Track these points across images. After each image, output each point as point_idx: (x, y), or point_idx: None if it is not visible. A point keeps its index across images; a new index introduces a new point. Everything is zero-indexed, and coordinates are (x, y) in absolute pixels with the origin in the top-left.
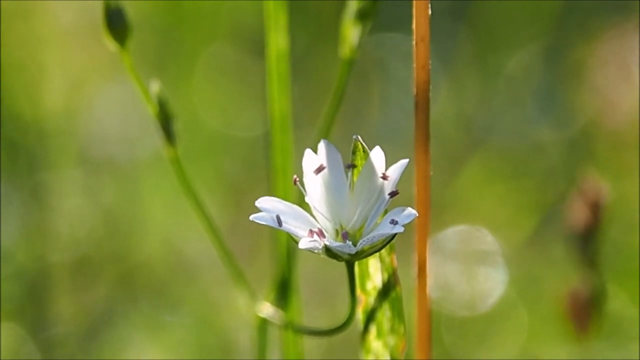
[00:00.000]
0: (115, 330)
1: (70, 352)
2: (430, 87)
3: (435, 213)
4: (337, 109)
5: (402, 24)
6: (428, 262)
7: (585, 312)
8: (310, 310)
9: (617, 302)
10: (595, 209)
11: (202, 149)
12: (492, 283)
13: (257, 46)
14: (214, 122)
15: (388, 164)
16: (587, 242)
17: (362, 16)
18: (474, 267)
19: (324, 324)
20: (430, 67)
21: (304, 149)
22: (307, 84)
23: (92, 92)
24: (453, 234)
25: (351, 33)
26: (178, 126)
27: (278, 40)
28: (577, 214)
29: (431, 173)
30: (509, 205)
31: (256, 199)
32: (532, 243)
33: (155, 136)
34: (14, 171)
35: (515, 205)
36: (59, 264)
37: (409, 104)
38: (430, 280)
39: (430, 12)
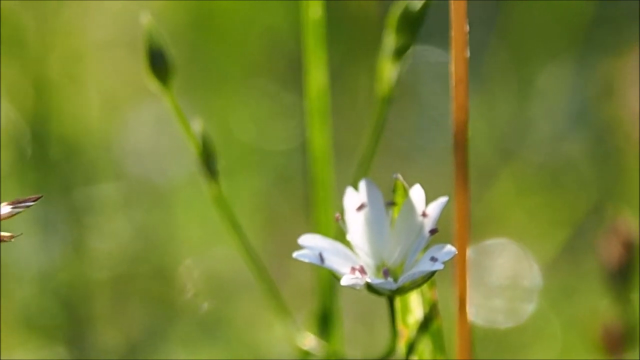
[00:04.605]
0: (153, 349)
1: None
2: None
3: None
4: (377, 145)
5: (434, 37)
6: (469, 292)
7: (619, 347)
8: (351, 341)
9: None
10: (628, 246)
11: (236, 165)
12: (525, 297)
13: (290, 61)
14: (247, 137)
15: (425, 181)
16: (621, 278)
17: (399, 53)
18: (506, 281)
19: (365, 355)
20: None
21: (341, 181)
22: (340, 104)
23: (129, 110)
24: (485, 248)
25: (388, 70)
26: (221, 164)
27: (318, 76)
28: (610, 251)
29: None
30: (541, 219)
31: (291, 217)
32: (564, 257)
33: (191, 154)
34: (50, 189)
35: (547, 219)
36: (97, 282)
37: (444, 120)
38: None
39: (468, 53)
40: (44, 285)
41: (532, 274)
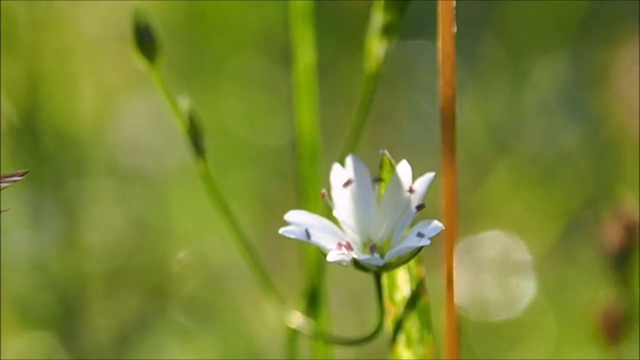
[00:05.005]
0: (147, 340)
1: None
2: (457, 94)
3: (462, 219)
4: (364, 123)
5: (429, 30)
6: (456, 269)
7: (618, 330)
8: (340, 320)
9: None
10: (630, 230)
11: (230, 158)
12: (520, 289)
13: (284, 55)
14: (241, 131)
15: (417, 172)
16: (621, 261)
17: (387, 30)
18: (502, 273)
19: (353, 334)
20: (456, 82)
21: (331, 161)
22: (334, 94)
23: (122, 103)
24: (480, 240)
25: (376, 47)
26: (206, 139)
27: (305, 54)
28: (611, 234)
29: (457, 184)
30: (537, 211)
31: (285, 209)
32: (559, 249)
33: (185, 146)
34: (45, 181)
35: (542, 212)
36: (90, 273)
37: (437, 110)
38: (458, 290)
39: (455, 29)
40: (38, 276)
41: (527, 266)
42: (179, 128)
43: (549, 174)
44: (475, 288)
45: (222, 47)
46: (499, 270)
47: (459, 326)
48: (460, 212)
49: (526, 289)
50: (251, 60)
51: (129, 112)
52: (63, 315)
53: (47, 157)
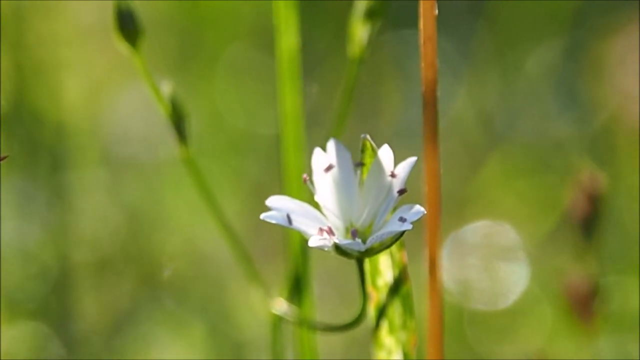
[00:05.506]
0: (139, 328)
1: (94, 350)
2: (452, 84)
3: (456, 209)
4: (348, 107)
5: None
6: (449, 257)
7: (588, 303)
8: (323, 306)
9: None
10: (593, 199)
11: (224, 148)
12: (514, 278)
13: None
14: (235, 121)
15: (404, 159)
16: (587, 233)
17: (371, 15)
18: (495, 263)
19: (337, 320)
20: (438, 65)
21: (314, 145)
22: (328, 82)
23: (114, 92)
24: (474, 230)
25: (360, 32)
26: (191, 126)
27: (289, 39)
28: (575, 205)
29: (443, 170)
30: (530, 201)
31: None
32: (553, 238)
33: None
34: (37, 171)
35: (536, 201)
36: (82, 262)
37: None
38: (442, 276)
39: (437, 11)
40: (29, 265)
41: (520, 255)
42: (162, 113)
43: (542, 163)
44: (468, 277)
45: (216, 37)
46: (493, 259)
47: (443, 312)
48: (454, 202)
49: (520, 278)
50: (245, 51)
51: (121, 102)
52: (55, 305)
53: (38, 146)
